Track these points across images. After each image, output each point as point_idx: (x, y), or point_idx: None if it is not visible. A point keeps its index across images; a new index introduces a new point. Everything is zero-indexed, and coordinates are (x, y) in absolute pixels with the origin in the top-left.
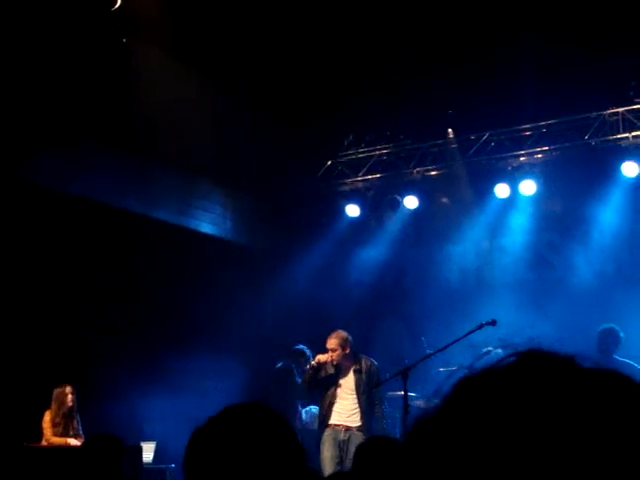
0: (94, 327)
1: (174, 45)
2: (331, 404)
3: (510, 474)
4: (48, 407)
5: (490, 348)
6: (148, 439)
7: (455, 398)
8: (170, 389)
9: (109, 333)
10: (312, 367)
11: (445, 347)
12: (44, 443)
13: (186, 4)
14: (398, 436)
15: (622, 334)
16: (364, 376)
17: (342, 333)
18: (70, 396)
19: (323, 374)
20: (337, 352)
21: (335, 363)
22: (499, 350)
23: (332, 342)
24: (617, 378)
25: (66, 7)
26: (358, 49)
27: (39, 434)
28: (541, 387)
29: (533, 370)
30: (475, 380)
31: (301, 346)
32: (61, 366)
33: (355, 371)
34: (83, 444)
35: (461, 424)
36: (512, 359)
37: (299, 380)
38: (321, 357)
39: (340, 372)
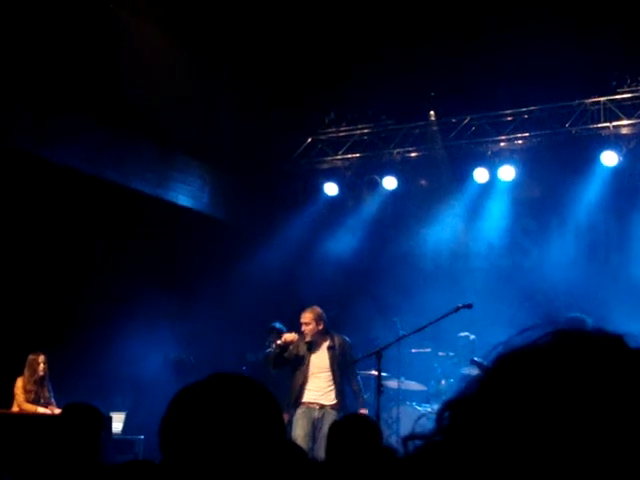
0: (68, 295)
1: (159, 16)
2: (304, 382)
3: (555, 455)
4: (21, 373)
5: (467, 333)
6: (117, 409)
7: (498, 376)
8: (141, 361)
9: (82, 302)
10: (278, 346)
11: (421, 328)
12: (15, 409)
13: None
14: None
15: (589, 320)
16: (337, 353)
17: (317, 308)
18: (42, 365)
19: (289, 354)
20: (310, 326)
21: (308, 338)
22: (474, 336)
23: (306, 316)
24: None
25: None
26: (343, 28)
27: (10, 400)
28: (585, 366)
29: (577, 349)
30: (517, 358)
31: (274, 323)
32: (34, 333)
33: (328, 348)
34: (61, 413)
35: (505, 405)
36: (550, 337)
37: None
38: (287, 336)
39: (313, 349)
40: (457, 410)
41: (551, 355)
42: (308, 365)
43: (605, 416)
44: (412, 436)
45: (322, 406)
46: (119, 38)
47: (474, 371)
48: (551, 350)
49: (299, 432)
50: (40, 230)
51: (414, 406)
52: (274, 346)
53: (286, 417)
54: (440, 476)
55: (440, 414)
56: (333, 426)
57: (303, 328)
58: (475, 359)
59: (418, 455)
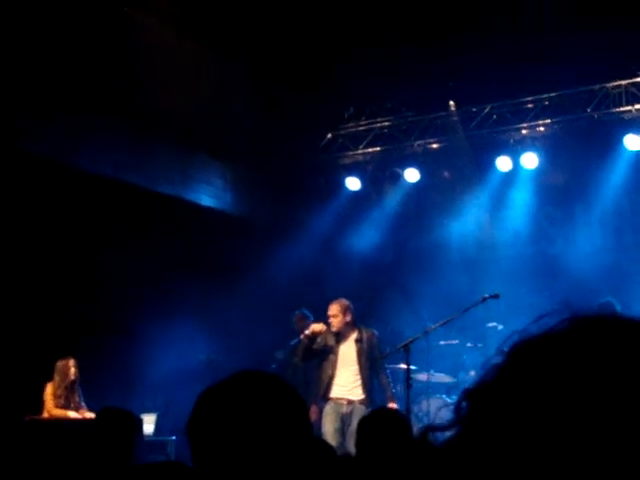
0: (95, 299)
1: (174, 15)
2: (332, 376)
3: (578, 439)
4: (50, 379)
5: (495, 323)
6: (148, 411)
7: (514, 365)
8: (172, 362)
9: (110, 306)
10: (306, 337)
11: (448, 320)
12: (45, 415)
13: None
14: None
15: (618, 307)
16: (365, 346)
17: (344, 301)
18: (73, 369)
19: (317, 345)
20: (338, 318)
21: (335, 329)
22: (502, 326)
23: (333, 308)
24: None
25: None
26: (358, 20)
27: (38, 406)
28: (601, 353)
29: (593, 336)
30: (533, 346)
31: (301, 310)
32: (61, 338)
33: (356, 341)
34: (96, 417)
35: (520, 395)
36: (567, 324)
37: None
38: (315, 327)
39: (340, 342)
40: (474, 400)
41: (567, 342)
42: (337, 356)
43: (618, 402)
44: (431, 427)
45: (350, 401)
46: (135, 39)
47: None
48: (567, 337)
49: (328, 428)
50: (63, 236)
51: (444, 398)
52: (302, 337)
53: (315, 410)
54: (459, 467)
55: (458, 404)
56: (362, 421)
57: (330, 320)
58: (505, 350)
59: (441, 447)
